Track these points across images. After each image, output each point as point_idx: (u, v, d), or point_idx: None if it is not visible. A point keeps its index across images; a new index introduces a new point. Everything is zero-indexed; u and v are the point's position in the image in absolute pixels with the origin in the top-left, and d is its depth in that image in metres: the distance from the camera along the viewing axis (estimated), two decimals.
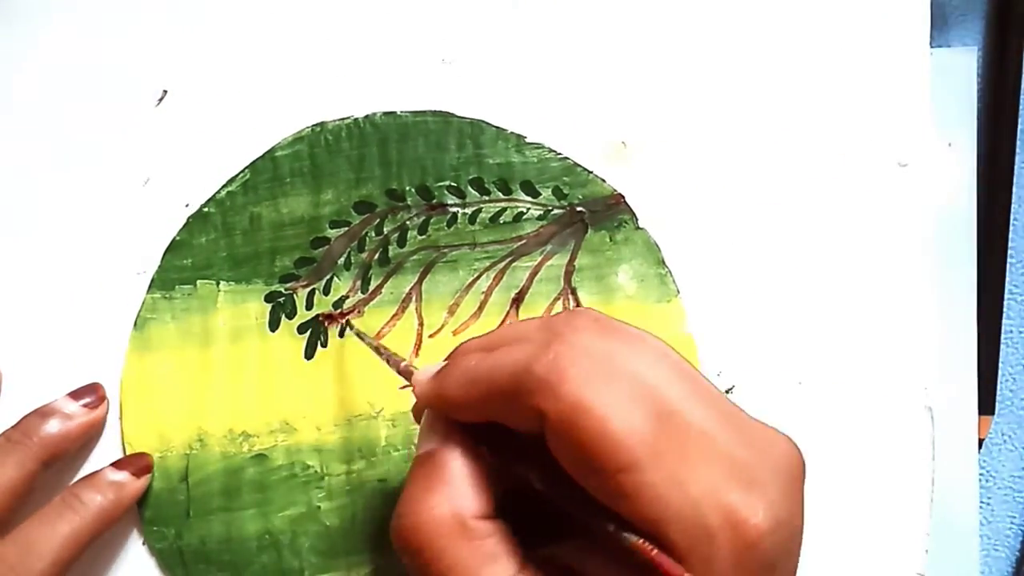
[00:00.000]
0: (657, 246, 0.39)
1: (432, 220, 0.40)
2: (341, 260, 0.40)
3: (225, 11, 0.41)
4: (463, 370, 0.29)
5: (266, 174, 0.40)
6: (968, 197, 0.42)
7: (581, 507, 0.26)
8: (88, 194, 0.40)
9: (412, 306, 0.39)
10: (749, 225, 0.39)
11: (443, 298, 0.39)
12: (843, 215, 0.39)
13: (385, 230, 0.40)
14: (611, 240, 0.40)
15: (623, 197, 0.40)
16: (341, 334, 0.39)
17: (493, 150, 0.40)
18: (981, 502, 0.43)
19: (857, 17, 0.40)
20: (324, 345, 0.39)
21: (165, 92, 0.40)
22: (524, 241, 0.40)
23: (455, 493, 0.28)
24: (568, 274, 0.39)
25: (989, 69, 0.44)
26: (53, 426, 0.37)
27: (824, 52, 0.40)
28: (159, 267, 0.40)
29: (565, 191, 0.40)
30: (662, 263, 0.39)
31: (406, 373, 0.33)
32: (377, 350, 0.38)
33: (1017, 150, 0.44)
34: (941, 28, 0.44)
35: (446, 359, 0.31)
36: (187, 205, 0.40)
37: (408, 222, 0.40)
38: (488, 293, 0.39)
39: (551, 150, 0.40)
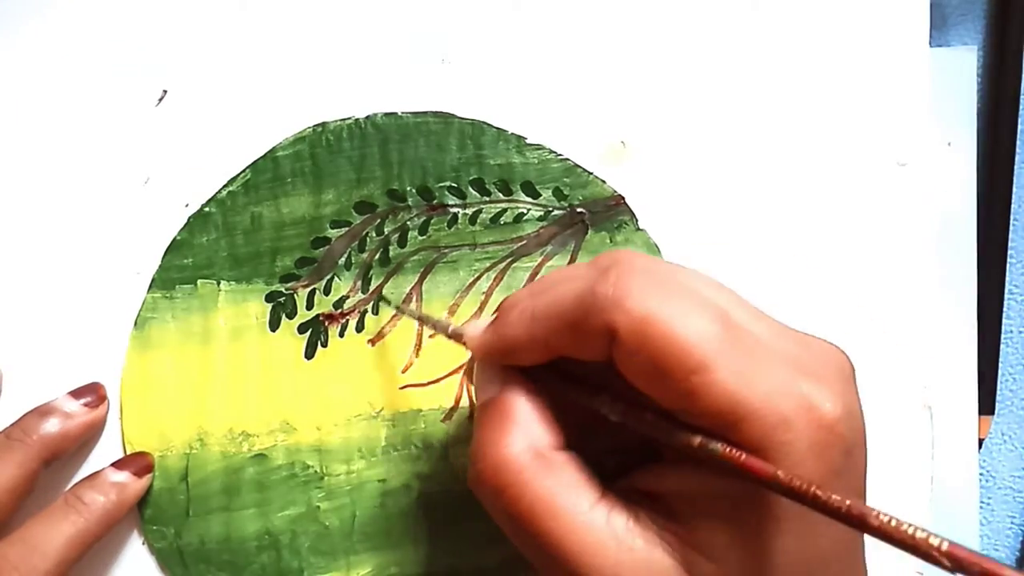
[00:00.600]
0: (657, 247, 0.39)
1: (433, 220, 0.40)
2: (342, 260, 0.40)
3: (225, 11, 0.41)
4: (520, 310, 0.29)
5: (267, 174, 0.40)
6: (968, 197, 0.42)
7: (658, 427, 0.27)
8: (88, 194, 0.40)
9: (412, 306, 0.39)
10: (749, 225, 0.39)
11: (443, 298, 0.39)
12: (843, 215, 0.39)
13: (386, 230, 0.40)
14: (611, 241, 0.40)
15: (623, 198, 0.40)
16: (341, 334, 0.39)
17: (494, 151, 0.40)
18: (981, 502, 0.43)
19: (857, 17, 0.40)
20: (324, 345, 0.39)
21: (165, 92, 0.40)
22: (524, 242, 0.40)
23: (527, 429, 0.28)
24: None
25: (989, 69, 0.44)
26: (53, 425, 0.37)
27: (824, 52, 0.40)
28: (160, 267, 0.40)
29: (565, 192, 0.40)
30: None
31: (456, 335, 0.33)
32: (421, 320, 0.38)
33: (1017, 150, 0.44)
34: (941, 28, 0.44)
35: (494, 313, 0.31)
36: (187, 205, 0.40)
37: (409, 222, 0.40)
38: (488, 293, 0.39)
39: (552, 151, 0.40)
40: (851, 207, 0.39)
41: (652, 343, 0.26)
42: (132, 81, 0.40)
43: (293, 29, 0.40)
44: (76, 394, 0.38)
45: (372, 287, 0.39)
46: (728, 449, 0.25)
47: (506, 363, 0.30)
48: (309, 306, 0.39)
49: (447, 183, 0.40)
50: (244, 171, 0.40)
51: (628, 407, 0.28)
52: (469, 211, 0.40)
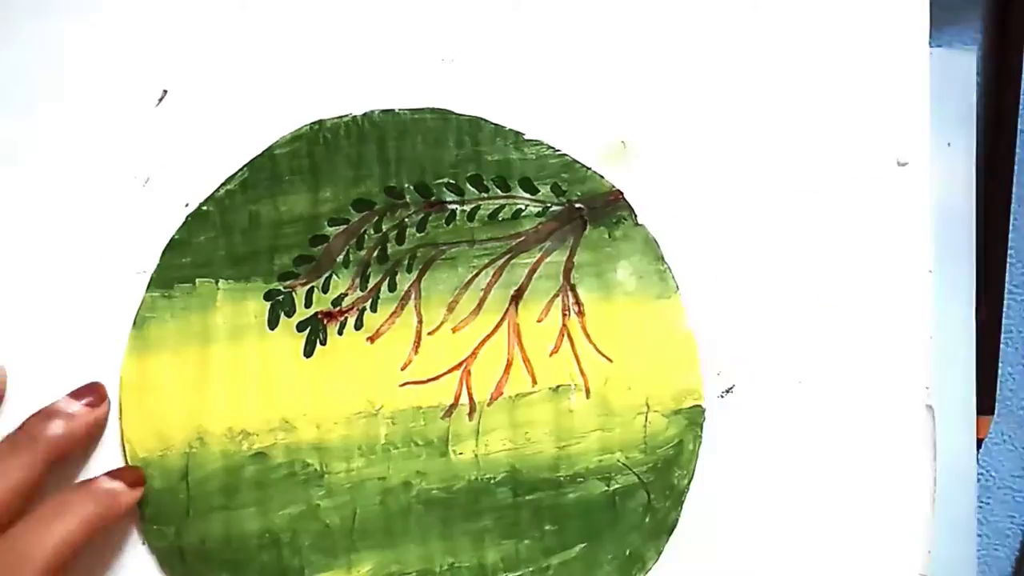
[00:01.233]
0: (656, 242, 0.40)
1: (431, 217, 0.40)
2: (340, 258, 0.40)
3: (225, 11, 0.41)
4: None
5: (265, 172, 0.40)
6: (967, 197, 0.42)
7: None
8: (88, 194, 0.40)
9: (411, 303, 0.39)
10: (748, 223, 0.39)
11: (442, 295, 0.39)
12: (843, 214, 0.39)
13: (384, 228, 0.40)
14: (610, 236, 0.40)
15: (622, 193, 0.40)
16: (340, 332, 0.39)
17: (491, 147, 0.40)
18: (980, 502, 0.43)
19: (857, 17, 0.40)
20: (323, 343, 0.39)
21: (165, 92, 0.40)
22: (523, 238, 0.40)
23: None
24: (567, 271, 0.39)
25: (989, 69, 0.45)
26: (57, 427, 0.37)
27: (824, 52, 0.40)
28: (158, 266, 0.40)
29: (564, 188, 0.40)
30: (661, 259, 0.39)
31: None
32: None
33: (1017, 150, 0.44)
34: (941, 28, 0.44)
35: None
36: (187, 204, 0.40)
37: (407, 220, 0.40)
38: (487, 290, 0.39)
39: (550, 147, 0.40)
40: (851, 206, 0.39)
41: None
42: (132, 81, 0.41)
43: (291, 28, 0.41)
44: (77, 395, 0.38)
45: (370, 285, 0.39)
46: None
47: None
48: (308, 304, 0.39)
49: (445, 180, 0.40)
50: (241, 169, 0.40)
51: None
52: (467, 208, 0.40)
